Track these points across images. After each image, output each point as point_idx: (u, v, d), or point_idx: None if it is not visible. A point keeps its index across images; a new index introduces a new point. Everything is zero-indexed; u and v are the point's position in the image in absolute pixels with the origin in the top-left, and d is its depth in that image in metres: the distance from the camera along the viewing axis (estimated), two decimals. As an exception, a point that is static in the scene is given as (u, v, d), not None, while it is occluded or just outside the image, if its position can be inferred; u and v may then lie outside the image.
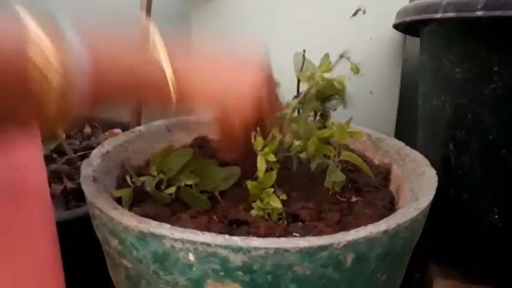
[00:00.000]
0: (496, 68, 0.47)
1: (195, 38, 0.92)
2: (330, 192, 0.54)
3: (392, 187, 0.61)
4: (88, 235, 0.56)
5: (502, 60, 0.46)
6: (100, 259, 0.56)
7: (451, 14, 0.48)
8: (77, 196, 0.78)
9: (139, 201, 0.54)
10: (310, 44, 0.58)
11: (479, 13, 0.44)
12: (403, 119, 0.90)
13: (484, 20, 0.45)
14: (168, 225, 0.42)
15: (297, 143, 0.48)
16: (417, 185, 0.54)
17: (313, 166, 0.55)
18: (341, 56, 0.48)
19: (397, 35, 0.83)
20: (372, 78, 0.85)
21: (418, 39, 0.78)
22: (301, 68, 0.57)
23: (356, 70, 0.49)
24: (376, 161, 0.66)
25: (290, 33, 0.86)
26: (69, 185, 0.78)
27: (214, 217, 0.52)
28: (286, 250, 0.39)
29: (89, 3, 1.09)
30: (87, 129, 1.08)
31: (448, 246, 0.65)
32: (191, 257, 0.41)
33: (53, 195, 0.79)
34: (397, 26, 0.72)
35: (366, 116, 0.85)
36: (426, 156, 0.58)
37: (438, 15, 0.49)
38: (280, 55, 0.88)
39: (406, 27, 0.68)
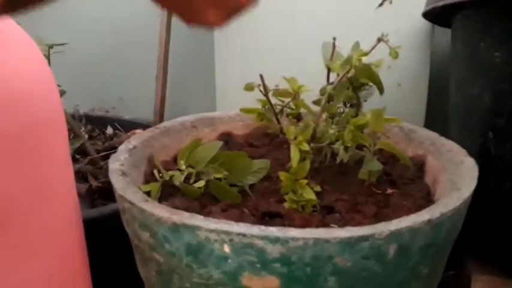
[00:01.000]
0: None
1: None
2: (366, 184, 0.52)
3: (427, 179, 0.59)
4: (116, 232, 0.55)
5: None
6: (128, 256, 0.55)
7: (491, -6, 0.45)
8: (102, 195, 0.78)
9: (168, 196, 0.53)
10: (336, 36, 0.57)
11: (523, -10, 0.42)
12: (432, 111, 0.87)
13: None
14: (202, 217, 0.40)
15: (331, 131, 0.46)
16: (456, 175, 0.52)
17: (345, 157, 0.53)
18: (379, 40, 0.46)
19: (425, 26, 0.80)
20: (400, 71, 0.83)
21: (445, 30, 0.76)
22: (331, 57, 0.55)
23: (395, 54, 0.47)
24: (410, 153, 0.64)
25: (315, 25, 0.84)
26: (95, 183, 0.77)
27: (246, 210, 0.50)
28: (326, 241, 0.38)
29: (108, 23, 1.10)
30: (109, 130, 1.07)
31: (486, 240, 0.62)
32: (226, 249, 0.39)
33: (78, 195, 0.79)
34: (426, 14, 0.69)
35: (395, 109, 0.82)
36: (461, 146, 0.56)
37: (477, -4, 0.47)
38: (305, 47, 0.87)
39: (437, 14, 0.65)
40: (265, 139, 0.70)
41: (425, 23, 0.79)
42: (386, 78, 0.83)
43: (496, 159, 0.54)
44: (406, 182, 0.57)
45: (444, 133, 0.64)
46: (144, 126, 1.03)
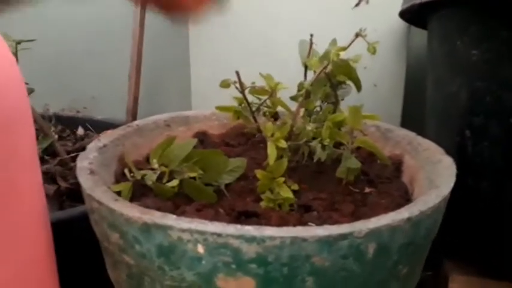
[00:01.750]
0: (517, 46, 0.45)
1: (192, 28, 0.89)
2: (344, 182, 0.51)
3: (405, 178, 0.58)
4: (85, 235, 0.53)
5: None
6: (97, 259, 0.52)
7: (469, -10, 0.45)
8: (71, 196, 0.75)
9: (140, 196, 0.51)
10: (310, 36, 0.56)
11: (501, -14, 0.42)
12: (408, 112, 0.87)
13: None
14: (174, 216, 0.39)
15: (309, 128, 0.45)
16: (434, 173, 0.51)
17: (323, 156, 0.52)
18: (357, 35, 0.45)
19: (401, 26, 0.81)
20: (376, 71, 0.83)
21: (421, 31, 0.76)
22: (308, 54, 0.54)
23: (373, 50, 0.46)
24: (387, 153, 0.63)
25: (291, 24, 0.84)
26: (63, 184, 0.74)
27: (221, 210, 0.48)
28: (304, 239, 0.36)
29: (83, 19, 1.08)
30: (80, 131, 1.04)
31: (463, 239, 0.62)
32: (200, 249, 0.37)
33: (46, 196, 0.76)
34: (403, 14, 0.69)
35: (371, 110, 0.82)
36: (439, 145, 0.56)
37: (454, -7, 0.47)
38: (282, 46, 0.86)
39: (414, 13, 0.65)
40: (241, 138, 0.69)
41: (401, 24, 0.79)
42: (363, 78, 0.83)
43: (473, 157, 0.54)
44: (383, 181, 0.56)
45: (421, 133, 0.64)
46: (117, 126, 0.99)
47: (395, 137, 0.63)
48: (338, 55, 0.44)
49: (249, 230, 0.37)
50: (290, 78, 0.58)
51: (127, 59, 0.96)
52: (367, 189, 0.53)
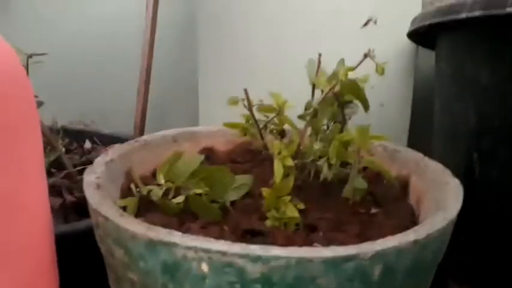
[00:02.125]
0: (525, 69, 0.45)
1: (201, 46, 0.90)
2: (350, 202, 0.50)
3: (411, 199, 0.58)
4: (89, 249, 0.53)
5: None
6: (101, 275, 0.52)
7: (477, 13, 0.45)
8: (76, 210, 0.75)
9: (145, 212, 0.51)
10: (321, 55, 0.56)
11: (509, 9, 0.42)
12: (415, 132, 0.87)
13: (513, 17, 0.43)
14: (180, 233, 0.38)
15: (316, 147, 0.45)
16: (441, 195, 0.51)
17: (329, 175, 0.52)
18: (365, 55, 0.45)
19: (409, 47, 0.81)
20: (383, 91, 0.83)
21: (429, 52, 0.76)
22: (316, 73, 0.55)
23: (381, 71, 0.46)
24: (393, 173, 0.63)
25: (300, 43, 0.84)
26: (69, 198, 0.74)
27: (226, 228, 0.48)
28: (310, 260, 0.36)
29: (93, 33, 1.09)
30: (88, 144, 1.05)
31: (470, 263, 0.61)
32: (204, 268, 0.37)
33: (51, 209, 0.76)
34: (411, 34, 0.70)
35: (378, 129, 0.82)
36: (446, 167, 0.55)
37: (463, 16, 0.47)
38: (290, 65, 0.87)
39: (422, 34, 0.66)
40: (247, 155, 0.69)
41: (409, 44, 0.80)
42: (370, 98, 0.83)
43: (480, 180, 0.53)
44: (390, 202, 0.56)
45: (427, 154, 0.64)
46: (124, 140, 0.99)
47: (403, 158, 0.63)
48: (346, 75, 0.44)
49: (255, 249, 0.36)
50: (298, 97, 0.58)
51: (136, 74, 0.97)
52: (373, 210, 0.53)
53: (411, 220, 0.52)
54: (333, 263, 0.36)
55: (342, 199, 0.53)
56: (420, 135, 0.83)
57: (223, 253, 0.36)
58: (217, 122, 0.68)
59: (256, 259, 0.36)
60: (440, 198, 0.50)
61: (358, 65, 0.46)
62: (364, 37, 0.82)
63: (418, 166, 0.59)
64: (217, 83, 0.91)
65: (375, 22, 0.79)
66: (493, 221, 0.53)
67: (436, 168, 0.56)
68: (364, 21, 0.80)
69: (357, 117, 0.83)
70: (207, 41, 0.90)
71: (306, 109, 0.46)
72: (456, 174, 0.53)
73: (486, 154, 0.52)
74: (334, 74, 0.46)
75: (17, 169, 0.45)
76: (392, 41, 0.81)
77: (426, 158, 0.60)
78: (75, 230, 0.65)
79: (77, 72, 1.14)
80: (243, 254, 0.36)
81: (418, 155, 0.61)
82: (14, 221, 0.46)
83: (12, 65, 0.44)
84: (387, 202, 0.56)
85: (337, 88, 0.46)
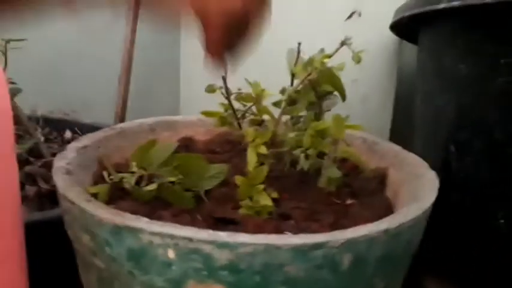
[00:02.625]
0: (503, 61, 0.45)
1: (184, 34, 0.89)
2: (325, 192, 0.50)
3: (389, 192, 0.58)
4: (60, 237, 0.52)
5: (510, 52, 0.44)
6: (72, 263, 0.51)
7: (456, 3, 0.45)
8: (51, 199, 0.73)
9: (117, 199, 0.50)
10: (304, 47, 0.55)
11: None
12: (397, 125, 0.87)
13: (492, 6, 0.42)
14: (146, 219, 0.37)
15: (291, 135, 0.44)
16: (417, 187, 0.50)
17: (306, 165, 0.52)
18: (342, 43, 0.45)
19: (393, 40, 0.81)
20: (366, 84, 0.82)
21: (412, 46, 0.76)
22: (295, 62, 0.54)
23: (358, 59, 0.46)
24: (372, 165, 0.63)
25: (283, 35, 0.83)
26: (44, 186, 0.73)
27: (199, 216, 0.47)
28: (278, 247, 0.35)
29: (75, 22, 1.08)
30: (68, 134, 1.03)
31: (446, 257, 0.61)
32: (171, 254, 0.36)
33: (26, 197, 0.75)
34: (394, 27, 0.69)
35: (360, 122, 0.81)
36: (425, 160, 0.55)
37: (441, 6, 0.47)
38: (273, 56, 0.86)
39: (404, 26, 0.65)
40: (226, 145, 0.68)
41: (393, 38, 0.79)
42: (352, 91, 0.83)
43: (457, 173, 0.53)
44: (366, 194, 0.55)
45: (409, 147, 0.63)
46: (105, 130, 0.99)
47: (381, 150, 0.62)
48: (322, 62, 0.43)
49: (222, 235, 0.36)
50: (280, 86, 0.57)
51: (118, 63, 0.95)
52: (349, 201, 0.52)
53: (387, 212, 0.51)
54: (301, 251, 0.36)
55: (317, 189, 0.53)
56: (402, 129, 0.83)
57: (190, 239, 0.35)
58: (199, 110, 0.67)
59: (223, 245, 0.35)
60: (416, 189, 0.50)
61: (335, 53, 0.46)
62: (348, 29, 0.82)
63: (396, 158, 0.59)
64: (199, 71, 0.90)
65: (359, 15, 0.79)
66: (469, 213, 0.53)
67: (413, 161, 0.56)
68: (348, 14, 0.80)
69: (339, 110, 0.82)
70: (190, 32, 0.89)
71: (281, 95, 0.46)
72: (434, 166, 0.53)
73: (463, 146, 0.52)
74: (310, 61, 0.45)
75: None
76: (376, 34, 0.80)
77: (404, 151, 0.59)
78: (48, 218, 0.63)
79: (59, 60, 1.12)
80: (209, 240, 0.35)
81: (396, 148, 0.61)
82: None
83: None
84: (364, 194, 0.55)
85: (313, 76, 0.45)
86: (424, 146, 0.64)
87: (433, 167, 0.53)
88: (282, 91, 0.46)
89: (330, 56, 0.45)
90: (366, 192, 0.56)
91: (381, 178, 0.59)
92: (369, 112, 0.84)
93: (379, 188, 0.58)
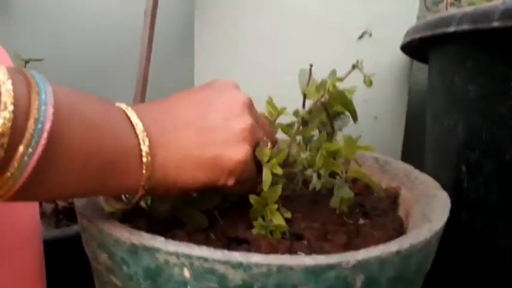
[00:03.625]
0: (512, 83, 0.45)
1: (198, 51, 0.91)
2: (337, 212, 0.51)
3: (401, 212, 0.58)
4: (77, 254, 0.53)
5: (519, 75, 0.45)
6: (89, 280, 0.52)
7: (465, 27, 0.46)
8: (68, 216, 0.75)
9: (133, 218, 0.51)
10: (315, 67, 0.57)
11: (495, 24, 0.42)
12: (409, 145, 0.87)
13: (500, 31, 0.43)
14: (163, 238, 0.38)
15: (303, 155, 0.45)
16: (428, 207, 0.51)
17: (318, 185, 0.53)
18: (353, 67, 0.46)
19: (404, 60, 0.82)
20: (377, 104, 0.83)
21: (422, 66, 0.77)
22: (308, 83, 0.55)
23: (369, 82, 0.47)
24: (384, 185, 0.63)
25: (296, 55, 0.85)
26: (61, 203, 0.75)
27: (212, 235, 0.48)
28: (291, 268, 0.36)
29: (92, 41, 1.11)
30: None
31: (457, 278, 0.61)
32: (186, 273, 0.37)
33: (43, 214, 0.76)
34: (405, 48, 0.70)
35: (372, 142, 0.82)
36: (437, 180, 0.56)
37: (451, 29, 0.48)
38: (286, 76, 0.87)
39: (415, 47, 0.66)
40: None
41: (403, 58, 0.80)
42: (364, 111, 0.84)
43: (468, 193, 0.53)
44: (379, 214, 0.56)
45: (420, 167, 0.64)
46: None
47: (393, 170, 0.63)
48: (334, 85, 0.44)
49: (236, 256, 0.36)
50: (291, 106, 0.59)
51: (134, 80, 0.97)
52: (361, 221, 0.53)
53: (399, 232, 0.52)
54: (314, 272, 0.36)
55: (330, 209, 0.53)
56: (414, 148, 0.83)
57: (205, 259, 0.36)
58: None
59: (237, 266, 0.36)
60: (428, 210, 0.50)
61: (346, 76, 0.47)
62: (359, 49, 0.83)
63: (408, 178, 0.59)
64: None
65: (370, 35, 0.80)
66: (479, 234, 0.53)
67: (425, 181, 0.57)
68: (359, 34, 0.81)
69: (350, 130, 0.83)
70: (204, 47, 0.91)
71: (294, 116, 0.47)
72: (446, 186, 0.53)
73: (474, 167, 0.52)
74: (322, 84, 0.46)
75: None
76: (386, 54, 0.81)
77: (416, 170, 0.60)
78: (65, 235, 0.65)
79: (75, 78, 1.15)
80: (224, 260, 0.36)
81: (408, 167, 0.61)
82: (4, 224, 0.46)
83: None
84: (376, 213, 0.56)
85: (325, 98, 0.46)
86: (435, 166, 0.64)
87: (444, 187, 0.53)
88: (296, 113, 0.47)
89: (342, 79, 0.46)
90: (378, 212, 0.57)
91: (393, 198, 0.60)
92: (381, 132, 0.84)
93: (391, 208, 0.59)
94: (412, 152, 0.86)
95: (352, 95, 0.46)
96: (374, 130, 0.84)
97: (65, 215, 0.75)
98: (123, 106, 0.41)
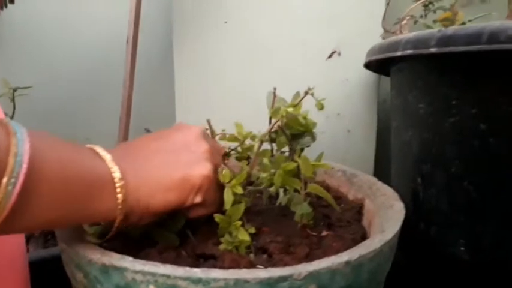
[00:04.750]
0: (454, 102, 0.49)
1: (178, 77, 0.95)
2: (299, 226, 0.54)
3: (365, 222, 0.62)
4: (64, 274, 0.56)
5: (459, 94, 0.48)
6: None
7: (409, 52, 0.50)
8: (55, 236, 0.78)
9: (111, 238, 0.54)
10: (288, 86, 0.60)
11: (433, 50, 0.46)
12: (381, 157, 0.91)
13: (438, 56, 0.47)
14: (131, 258, 0.42)
15: (263, 175, 0.49)
16: (385, 218, 0.54)
17: (283, 201, 0.56)
18: (306, 93, 0.50)
19: (372, 75, 0.86)
20: (349, 118, 0.87)
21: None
22: (272, 105, 0.59)
23: (320, 106, 0.50)
24: (350, 196, 0.67)
25: (269, 74, 0.89)
26: (48, 224, 0.78)
27: (183, 252, 0.52)
28: (246, 281, 0.39)
29: (75, 65, 1.15)
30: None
31: (418, 283, 0.64)
32: (152, 290, 0.40)
33: (32, 235, 0.80)
34: (367, 66, 0.74)
35: (345, 154, 0.86)
36: (398, 191, 0.59)
37: (399, 53, 0.52)
38: (260, 95, 0.91)
39: (376, 66, 0.70)
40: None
41: (372, 75, 0.84)
42: (337, 125, 0.87)
43: (424, 203, 0.57)
44: (343, 225, 0.59)
45: (389, 179, 0.68)
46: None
47: (359, 182, 0.67)
48: (287, 111, 0.48)
49: (196, 272, 0.40)
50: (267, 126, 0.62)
51: (118, 102, 1.02)
52: (324, 233, 0.56)
53: (358, 242, 0.55)
54: (269, 284, 0.40)
55: (295, 222, 0.57)
56: (385, 160, 0.87)
57: (168, 276, 0.40)
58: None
59: (197, 281, 0.39)
60: (384, 220, 0.54)
61: (299, 101, 0.50)
62: (329, 68, 0.87)
63: (371, 190, 0.63)
64: (193, 110, 0.96)
65: (339, 54, 0.84)
66: (434, 242, 0.57)
67: (385, 192, 0.60)
68: (329, 53, 0.85)
69: (325, 143, 0.87)
70: (183, 75, 0.95)
71: (251, 139, 0.50)
72: (406, 198, 0.57)
73: (427, 178, 0.56)
74: (276, 110, 0.50)
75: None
76: (355, 71, 0.85)
77: (379, 182, 0.63)
78: (52, 255, 0.68)
79: (63, 102, 1.19)
80: (185, 276, 0.40)
81: (372, 179, 0.65)
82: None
83: None
84: (340, 225, 0.59)
85: (282, 122, 0.50)
86: (398, 178, 0.68)
87: (404, 197, 0.57)
88: (253, 137, 0.51)
89: (294, 106, 0.50)
90: (342, 223, 0.60)
91: (357, 209, 0.64)
92: (353, 144, 0.88)
93: (355, 219, 0.62)
94: (384, 163, 0.89)
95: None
96: (347, 142, 0.88)
97: (53, 235, 0.78)
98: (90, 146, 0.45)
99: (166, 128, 0.55)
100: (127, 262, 0.41)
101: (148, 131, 0.53)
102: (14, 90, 0.87)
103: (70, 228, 0.49)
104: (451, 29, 0.47)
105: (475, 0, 0.82)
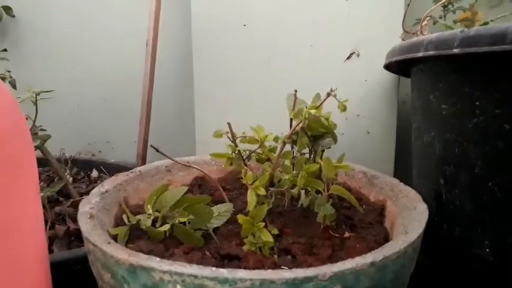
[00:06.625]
0: (477, 103, 0.49)
1: (196, 79, 0.96)
2: (322, 227, 0.54)
3: (387, 223, 0.62)
4: (88, 274, 0.57)
5: (482, 95, 0.48)
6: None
7: (431, 52, 0.50)
8: (79, 237, 0.79)
9: (136, 239, 0.55)
10: (307, 88, 0.61)
11: (456, 50, 0.46)
12: (402, 158, 0.91)
13: (461, 56, 0.47)
14: (158, 258, 0.43)
15: (286, 176, 0.49)
16: (408, 219, 0.54)
17: (305, 202, 0.56)
18: (328, 94, 0.50)
19: (391, 76, 0.85)
20: (369, 119, 0.87)
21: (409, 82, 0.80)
22: (293, 107, 0.59)
23: (343, 107, 0.51)
24: (372, 198, 0.67)
25: (289, 77, 0.89)
26: (72, 226, 0.79)
27: (207, 253, 0.52)
28: (272, 281, 0.40)
29: (98, 70, 1.17)
30: (95, 173, 1.10)
31: (441, 284, 0.64)
32: (179, 289, 0.41)
33: (56, 236, 0.81)
34: (387, 67, 0.74)
35: (365, 155, 0.86)
36: (420, 192, 0.59)
37: (420, 54, 0.52)
38: (279, 99, 0.91)
39: (396, 67, 0.70)
40: (236, 183, 0.73)
41: (391, 76, 0.84)
42: (356, 126, 0.87)
43: (447, 204, 0.57)
44: (365, 226, 0.59)
45: (410, 179, 0.67)
46: (128, 169, 1.05)
47: (380, 183, 0.66)
48: (309, 113, 0.49)
49: (223, 272, 0.40)
50: (285, 128, 0.63)
51: (138, 107, 1.03)
52: (347, 234, 0.56)
53: (381, 243, 0.55)
54: (294, 284, 0.40)
55: (317, 224, 0.57)
56: (406, 161, 0.87)
57: (195, 276, 0.40)
58: (212, 150, 0.73)
59: (224, 281, 0.40)
60: (407, 222, 0.54)
61: (321, 103, 0.51)
62: (348, 69, 0.87)
63: (393, 191, 0.63)
64: (211, 114, 0.97)
65: (358, 55, 0.84)
66: (458, 242, 0.56)
67: (408, 194, 0.60)
68: (347, 55, 0.85)
69: (345, 145, 0.87)
70: (201, 80, 0.96)
71: (275, 141, 0.51)
72: (428, 199, 0.56)
73: (450, 179, 0.55)
74: (299, 111, 0.50)
75: (16, 199, 0.50)
76: (374, 72, 0.85)
77: (401, 184, 0.63)
78: (76, 256, 0.69)
79: (84, 106, 1.21)
80: (212, 276, 0.40)
81: (393, 181, 0.65)
82: (13, 247, 0.50)
83: (6, 106, 0.49)
84: (362, 226, 0.59)
85: (304, 123, 0.50)
86: (420, 179, 0.67)
87: (427, 198, 0.57)
88: (276, 138, 0.51)
89: (317, 107, 0.50)
90: (364, 224, 0.60)
91: (379, 210, 0.64)
92: (373, 145, 0.88)
93: (377, 220, 0.62)
94: (404, 164, 0.89)
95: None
96: (367, 144, 0.88)
97: (77, 236, 0.79)
98: None
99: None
100: (154, 262, 0.42)
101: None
102: (37, 94, 0.89)
103: (97, 229, 0.50)
104: (474, 30, 0.47)
105: (506, 0, 0.81)
